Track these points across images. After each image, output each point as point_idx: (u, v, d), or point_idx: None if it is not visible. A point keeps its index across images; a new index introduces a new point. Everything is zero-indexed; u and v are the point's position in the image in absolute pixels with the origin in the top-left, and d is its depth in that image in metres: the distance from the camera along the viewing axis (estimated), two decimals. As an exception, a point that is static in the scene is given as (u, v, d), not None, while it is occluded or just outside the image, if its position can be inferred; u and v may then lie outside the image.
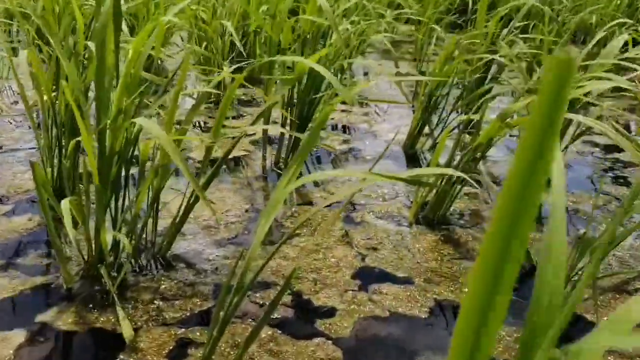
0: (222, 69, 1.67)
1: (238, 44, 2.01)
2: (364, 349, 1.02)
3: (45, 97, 1.58)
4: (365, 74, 3.23)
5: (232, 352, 0.99)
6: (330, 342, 1.03)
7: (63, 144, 1.63)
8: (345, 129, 2.30)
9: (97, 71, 1.13)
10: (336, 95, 1.84)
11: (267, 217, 0.84)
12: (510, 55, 1.96)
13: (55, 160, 1.64)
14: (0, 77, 3.04)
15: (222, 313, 0.88)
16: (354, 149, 2.06)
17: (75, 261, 1.27)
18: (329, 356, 0.99)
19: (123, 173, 1.28)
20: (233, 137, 2.03)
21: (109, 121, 1.15)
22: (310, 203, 1.60)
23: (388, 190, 1.69)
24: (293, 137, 1.88)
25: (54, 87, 1.63)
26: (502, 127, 1.25)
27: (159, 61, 2.89)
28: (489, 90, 2.01)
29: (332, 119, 2.38)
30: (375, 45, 3.78)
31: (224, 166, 1.88)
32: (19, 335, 1.02)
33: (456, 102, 2.14)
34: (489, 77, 2.39)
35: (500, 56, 1.98)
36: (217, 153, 1.94)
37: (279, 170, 1.84)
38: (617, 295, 1.23)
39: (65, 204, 1.04)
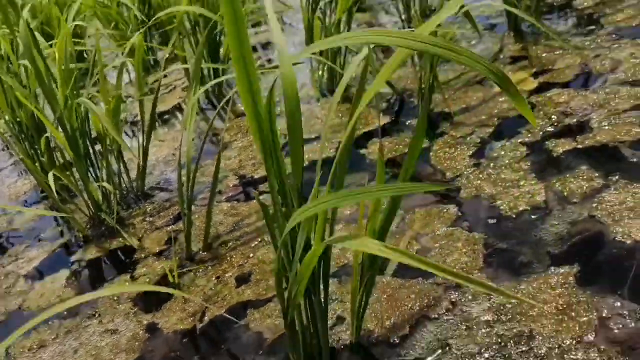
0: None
1: (137, 13, 2.29)
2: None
3: (7, 117, 1.91)
4: None
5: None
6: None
7: (36, 146, 1.97)
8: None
9: (37, 77, 1.46)
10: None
11: (188, 123, 1.21)
12: None
13: (37, 164, 1.99)
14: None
15: (186, 198, 1.27)
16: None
17: (82, 221, 1.66)
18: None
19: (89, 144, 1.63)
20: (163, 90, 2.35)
21: (62, 108, 1.50)
22: (239, 116, 1.97)
23: (299, 81, 2.05)
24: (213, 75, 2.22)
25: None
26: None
27: (85, 53, 3.15)
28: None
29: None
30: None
31: (169, 115, 2.23)
32: (64, 272, 1.43)
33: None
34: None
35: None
36: (162, 107, 2.28)
37: (206, 101, 2.19)
38: (469, 87, 1.62)
39: (50, 175, 1.41)
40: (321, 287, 0.89)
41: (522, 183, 1.21)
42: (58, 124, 1.55)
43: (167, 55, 2.94)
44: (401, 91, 1.75)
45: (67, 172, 1.67)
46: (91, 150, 1.65)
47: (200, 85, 1.38)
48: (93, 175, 1.65)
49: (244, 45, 0.73)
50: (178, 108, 2.26)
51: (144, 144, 1.66)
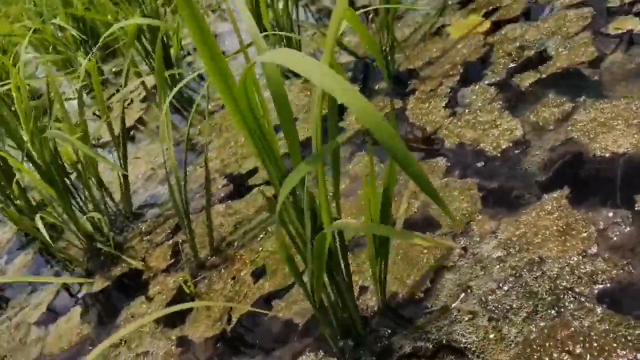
0: (78, 59, 1.93)
1: (75, 32, 2.24)
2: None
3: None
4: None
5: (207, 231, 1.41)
6: (262, 186, 1.45)
7: (8, 192, 1.93)
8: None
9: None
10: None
11: (165, 139, 1.21)
12: None
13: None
14: None
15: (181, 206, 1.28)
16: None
17: (78, 255, 1.64)
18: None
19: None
20: (126, 104, 2.32)
21: (28, 144, 1.47)
22: (211, 113, 1.96)
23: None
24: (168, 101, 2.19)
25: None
26: None
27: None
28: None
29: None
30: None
31: (134, 130, 2.20)
32: (76, 309, 1.42)
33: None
34: None
35: None
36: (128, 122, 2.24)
37: (175, 109, 2.18)
38: (426, 40, 1.66)
39: (37, 217, 1.39)
40: (341, 262, 0.92)
41: (499, 122, 1.27)
42: (29, 162, 1.52)
43: (114, 69, 2.88)
44: (363, 56, 1.77)
45: (49, 210, 1.65)
46: (68, 183, 1.63)
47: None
48: (77, 207, 1.64)
49: (207, 38, 0.74)
50: (141, 121, 2.23)
51: (122, 164, 1.64)
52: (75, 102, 2.51)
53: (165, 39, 2.11)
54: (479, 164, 1.20)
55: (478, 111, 1.33)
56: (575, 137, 1.14)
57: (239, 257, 1.29)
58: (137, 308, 1.31)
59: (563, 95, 1.25)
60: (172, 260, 1.40)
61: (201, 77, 2.32)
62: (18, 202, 1.90)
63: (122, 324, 1.29)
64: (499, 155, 1.19)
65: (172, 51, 2.16)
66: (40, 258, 1.75)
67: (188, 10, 0.69)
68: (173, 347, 1.15)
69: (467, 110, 1.35)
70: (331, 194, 1.27)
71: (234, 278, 1.24)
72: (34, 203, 1.92)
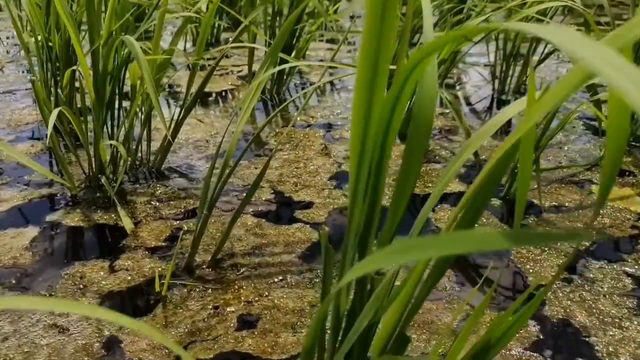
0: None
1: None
2: (337, 231, 1.17)
3: (39, 37, 1.67)
4: (352, 17, 3.29)
5: (220, 236, 1.13)
6: (307, 226, 1.17)
7: (58, 78, 1.73)
8: (327, 65, 2.40)
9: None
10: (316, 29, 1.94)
11: (246, 103, 0.97)
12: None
13: (52, 99, 1.74)
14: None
15: (209, 193, 1.01)
16: (339, 81, 2.17)
17: (77, 178, 1.39)
18: (306, 236, 1.14)
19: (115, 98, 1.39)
20: (214, 70, 2.12)
21: (102, 42, 1.26)
22: (293, 125, 1.73)
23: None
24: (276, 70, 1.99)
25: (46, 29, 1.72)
26: (460, 40, 1.37)
27: None
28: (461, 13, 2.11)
29: (318, 55, 2.48)
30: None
31: (214, 98, 1.99)
32: (32, 230, 1.16)
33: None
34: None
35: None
36: (209, 87, 2.04)
37: (263, 97, 1.96)
38: (563, 185, 1.38)
39: (55, 110, 1.15)
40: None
41: (625, 324, 0.95)
42: (91, 60, 1.30)
43: (231, 38, 2.73)
44: (483, 161, 1.50)
45: (81, 119, 1.42)
46: (117, 105, 1.40)
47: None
48: (109, 131, 1.40)
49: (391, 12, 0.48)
50: (226, 94, 2.02)
51: (180, 117, 1.41)
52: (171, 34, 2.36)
53: (298, 32, 1.93)
54: (581, 361, 0.87)
55: (601, 296, 1.01)
56: None
57: (237, 287, 0.99)
58: (92, 271, 1.02)
59: None
60: (165, 244, 1.12)
61: (303, 87, 2.11)
62: (60, 92, 1.69)
63: (65, 278, 1.00)
64: (612, 365, 0.87)
65: (297, 48, 1.97)
66: (44, 157, 1.52)
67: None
68: (97, 344, 0.85)
69: (586, 286, 1.03)
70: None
71: (216, 308, 0.94)
72: (77, 105, 1.71)
